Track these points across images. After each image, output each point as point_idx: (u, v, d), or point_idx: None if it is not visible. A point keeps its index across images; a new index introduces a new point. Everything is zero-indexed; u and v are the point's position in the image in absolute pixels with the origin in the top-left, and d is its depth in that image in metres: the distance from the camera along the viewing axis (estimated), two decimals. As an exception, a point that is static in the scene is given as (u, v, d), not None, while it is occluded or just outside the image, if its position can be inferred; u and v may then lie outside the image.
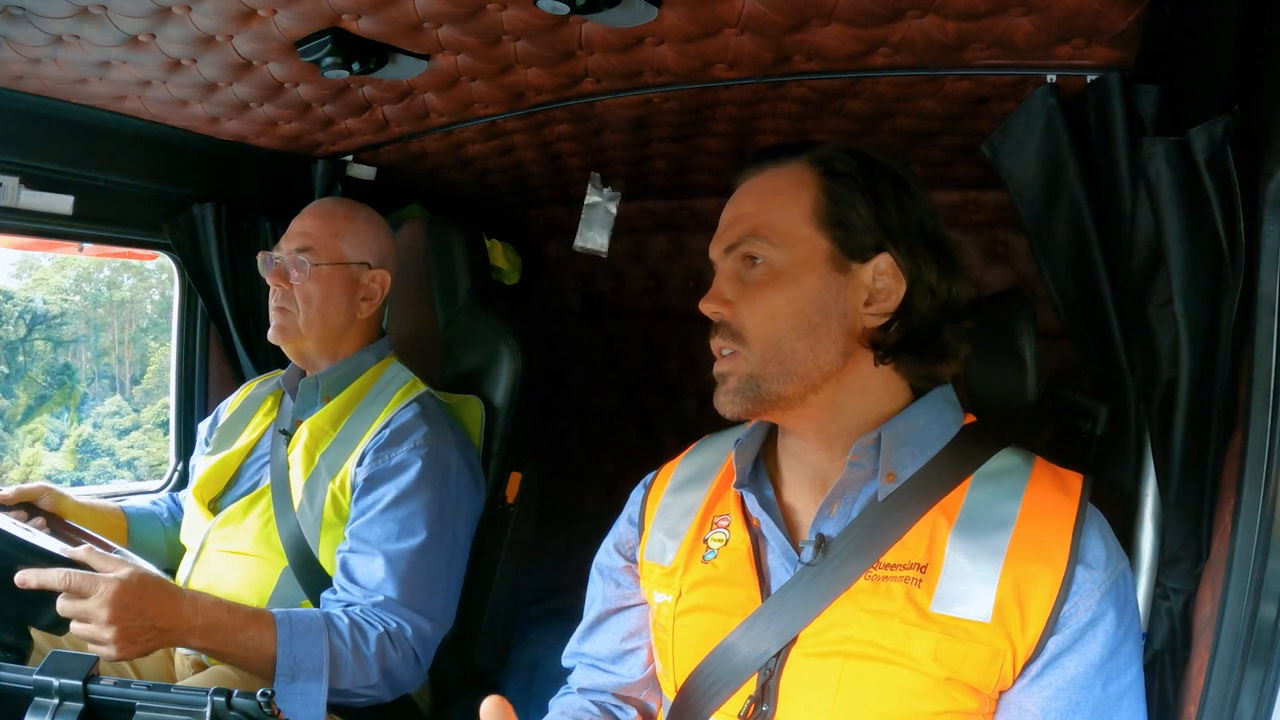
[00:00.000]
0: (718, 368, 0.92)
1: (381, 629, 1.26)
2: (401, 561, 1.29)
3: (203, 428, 1.63)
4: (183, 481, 1.85)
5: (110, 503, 1.56)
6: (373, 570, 1.29)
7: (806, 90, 1.25)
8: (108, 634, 1.03)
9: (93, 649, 1.05)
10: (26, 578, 1.02)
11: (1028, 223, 1.08)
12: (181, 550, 1.48)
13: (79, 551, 1.09)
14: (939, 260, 0.90)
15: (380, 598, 1.27)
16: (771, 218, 0.91)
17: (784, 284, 0.89)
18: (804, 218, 0.90)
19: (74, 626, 1.05)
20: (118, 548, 1.21)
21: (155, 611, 1.07)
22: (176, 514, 1.62)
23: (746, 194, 0.95)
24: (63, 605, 1.04)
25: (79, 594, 1.03)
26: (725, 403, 0.91)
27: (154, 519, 1.59)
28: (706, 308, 0.92)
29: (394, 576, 1.28)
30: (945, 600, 0.81)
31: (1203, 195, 0.83)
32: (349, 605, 1.28)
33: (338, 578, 1.31)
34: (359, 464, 1.35)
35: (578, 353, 2.46)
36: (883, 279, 0.89)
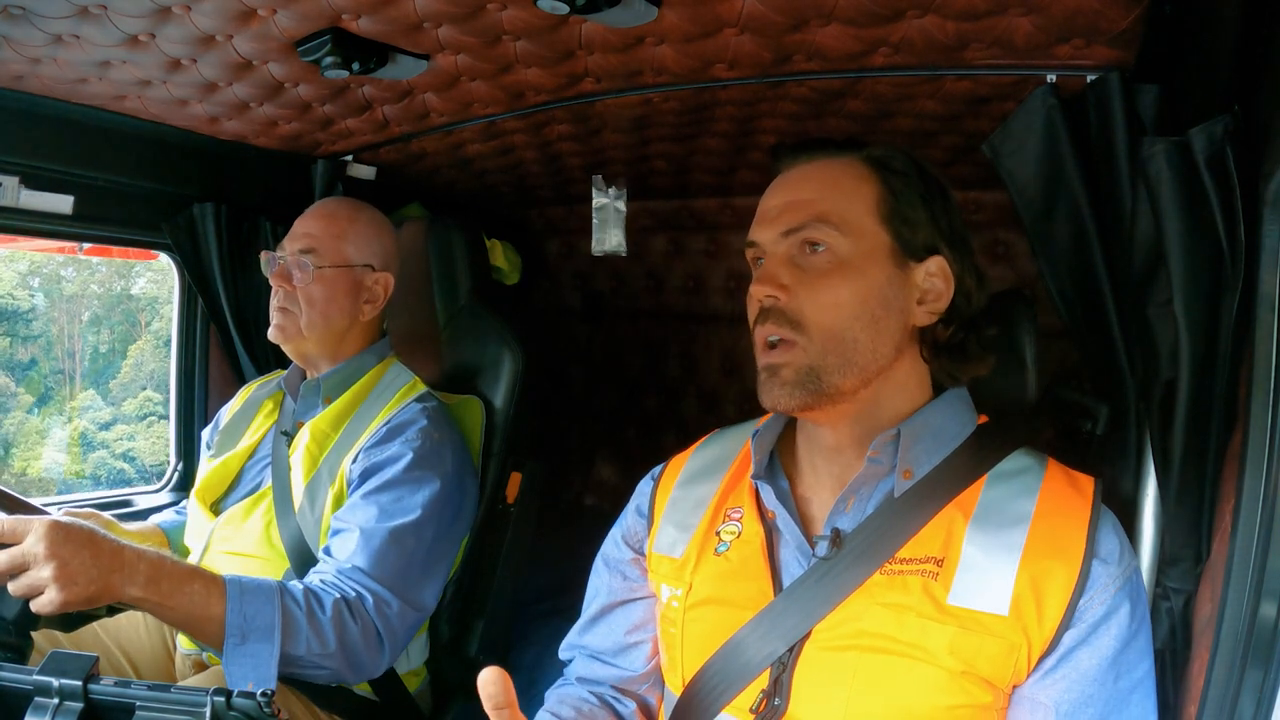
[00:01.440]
0: (769, 359, 0.89)
1: (339, 595, 1.21)
2: (375, 537, 1.26)
3: (205, 435, 1.63)
4: (183, 482, 1.85)
5: (146, 524, 1.56)
6: (346, 544, 1.26)
7: (806, 90, 1.25)
8: (47, 571, 0.96)
9: (35, 605, 0.98)
10: None
11: (1028, 223, 1.08)
12: None
13: (3, 519, 1.01)
14: (974, 266, 0.93)
15: (347, 566, 1.24)
16: (838, 206, 0.90)
17: (850, 274, 0.88)
18: (868, 210, 0.90)
19: (11, 585, 0.98)
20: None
21: (94, 549, 1.01)
22: None
23: (803, 180, 0.94)
24: (13, 582, 0.97)
25: (12, 538, 0.98)
26: (781, 395, 0.88)
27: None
28: (759, 291, 0.90)
29: (365, 549, 1.25)
30: (963, 593, 0.81)
31: (1203, 195, 0.83)
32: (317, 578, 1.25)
33: (321, 560, 1.30)
34: (354, 461, 1.35)
35: (578, 353, 2.46)
36: (933, 280, 0.91)
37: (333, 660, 1.19)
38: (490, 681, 0.70)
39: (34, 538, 0.98)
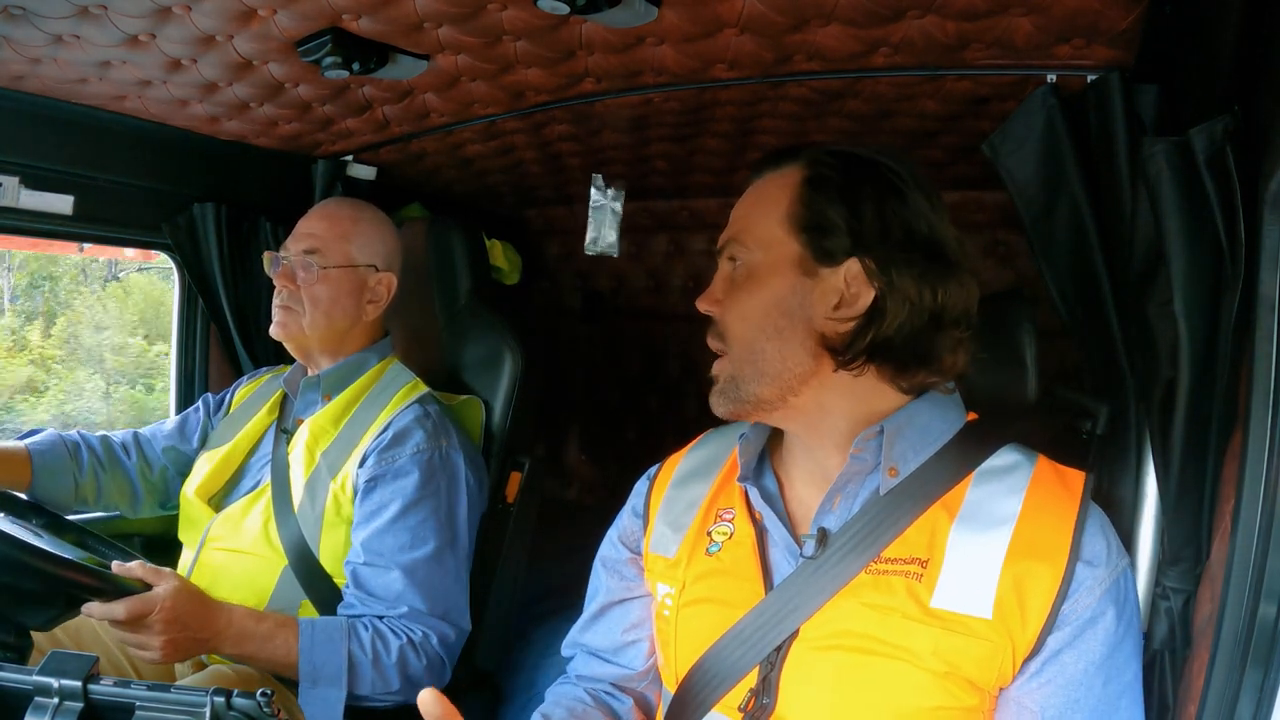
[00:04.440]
0: (713, 369, 0.95)
1: (405, 639, 1.28)
2: (419, 571, 1.30)
3: (208, 398, 1.63)
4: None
5: (13, 443, 1.43)
6: (390, 583, 1.29)
7: (806, 90, 1.25)
8: (156, 642, 1.14)
9: (135, 652, 1.17)
10: (92, 610, 1.09)
11: (1028, 223, 1.08)
12: (91, 496, 1.48)
13: (133, 567, 1.14)
14: (922, 266, 0.86)
15: (405, 608, 1.29)
16: (752, 222, 0.93)
17: (754, 286, 0.91)
18: (778, 221, 0.91)
19: (122, 634, 1.14)
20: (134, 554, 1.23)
21: (197, 623, 1.17)
22: (103, 458, 1.51)
23: (744, 198, 0.98)
24: (123, 634, 1.13)
25: (140, 618, 1.11)
26: (716, 403, 0.94)
27: (63, 467, 1.45)
28: (701, 305, 0.96)
29: (414, 587, 1.30)
30: (946, 596, 0.81)
31: (1203, 195, 0.82)
32: (377, 616, 1.29)
33: (351, 590, 1.31)
34: (360, 465, 1.35)
35: (578, 353, 2.46)
36: (853, 284, 0.87)
37: (397, 695, 1.28)
38: (429, 702, 0.73)
39: (154, 617, 1.13)
